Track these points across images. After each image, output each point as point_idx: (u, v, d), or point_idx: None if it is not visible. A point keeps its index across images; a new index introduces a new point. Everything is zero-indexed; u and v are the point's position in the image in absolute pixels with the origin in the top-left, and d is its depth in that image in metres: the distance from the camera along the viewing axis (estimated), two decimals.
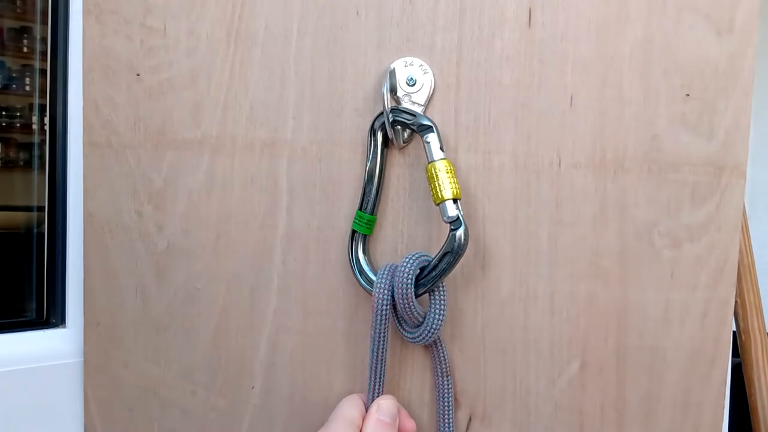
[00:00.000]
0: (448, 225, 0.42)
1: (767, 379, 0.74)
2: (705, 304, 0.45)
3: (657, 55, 0.44)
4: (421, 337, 0.44)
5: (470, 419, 0.47)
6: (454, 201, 0.42)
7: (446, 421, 0.46)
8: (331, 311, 0.47)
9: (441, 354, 0.45)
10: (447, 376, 0.45)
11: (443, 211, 0.42)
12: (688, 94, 0.44)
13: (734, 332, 0.73)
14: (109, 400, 0.48)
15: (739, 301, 0.73)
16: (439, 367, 0.45)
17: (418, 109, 0.45)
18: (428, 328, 0.43)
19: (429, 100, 0.45)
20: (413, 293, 0.42)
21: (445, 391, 0.46)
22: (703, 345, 0.45)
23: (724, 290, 0.45)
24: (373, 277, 0.44)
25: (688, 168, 0.45)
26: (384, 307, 0.43)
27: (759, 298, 0.73)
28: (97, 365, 0.48)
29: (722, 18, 0.44)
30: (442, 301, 0.43)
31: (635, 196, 0.45)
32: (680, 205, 0.45)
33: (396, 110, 0.44)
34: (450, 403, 0.46)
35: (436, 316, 0.43)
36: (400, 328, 0.45)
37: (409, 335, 0.44)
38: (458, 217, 0.42)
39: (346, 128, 0.46)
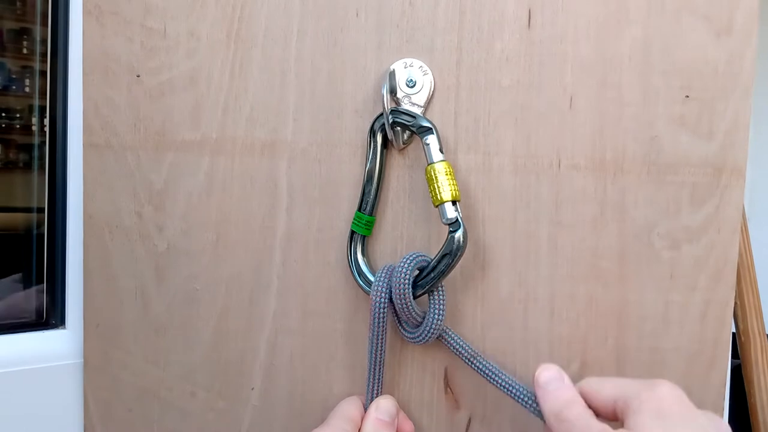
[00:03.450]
0: (447, 227, 0.42)
1: (767, 380, 0.74)
2: (704, 305, 0.45)
3: (656, 56, 0.44)
4: (421, 337, 0.44)
5: (470, 420, 0.47)
6: (453, 203, 0.42)
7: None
8: (330, 312, 0.47)
9: (457, 343, 0.45)
10: (476, 357, 0.44)
11: (442, 213, 0.42)
12: (688, 95, 0.44)
13: (734, 333, 0.73)
14: (108, 401, 0.48)
15: (738, 302, 0.73)
16: (463, 354, 0.45)
17: (418, 111, 0.45)
18: (428, 328, 0.43)
19: (429, 101, 0.45)
20: (411, 294, 0.42)
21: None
22: (703, 346, 0.45)
23: (724, 291, 0.45)
24: (372, 279, 0.44)
25: (688, 169, 0.45)
26: (382, 309, 0.43)
27: (758, 299, 0.74)
28: (97, 366, 0.48)
29: (721, 19, 0.44)
30: (441, 301, 0.43)
31: (635, 197, 0.45)
32: (679, 206, 0.45)
33: (396, 111, 0.44)
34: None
35: (436, 316, 0.43)
36: (400, 327, 0.45)
37: (409, 335, 0.44)
38: (457, 219, 0.42)
39: (346, 129, 0.46)
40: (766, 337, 0.74)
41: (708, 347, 0.45)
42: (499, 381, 0.43)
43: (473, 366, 0.44)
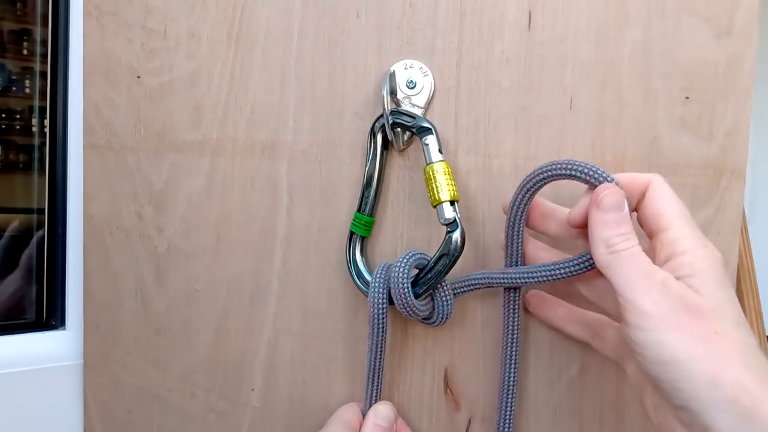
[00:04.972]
0: (445, 227, 0.42)
1: None
2: None
3: (656, 57, 0.44)
4: (436, 323, 0.44)
5: (470, 421, 0.47)
6: (451, 203, 0.42)
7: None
8: (330, 313, 0.47)
9: (485, 278, 0.44)
10: (505, 273, 0.43)
11: (440, 214, 0.42)
12: (688, 97, 0.44)
13: None
14: (108, 402, 0.48)
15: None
16: (499, 280, 0.43)
17: (418, 112, 0.45)
18: (440, 317, 0.44)
19: (429, 102, 0.45)
20: (410, 290, 0.42)
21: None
22: None
23: None
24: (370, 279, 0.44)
25: (688, 170, 0.45)
26: (381, 308, 0.42)
27: (758, 301, 0.73)
28: (97, 367, 0.48)
29: (722, 20, 0.44)
30: (447, 296, 0.44)
31: None
32: None
33: (396, 112, 0.44)
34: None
35: (444, 307, 0.43)
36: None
37: (425, 321, 0.45)
38: (455, 220, 0.41)
39: (347, 131, 0.46)
40: (766, 339, 0.74)
41: None
42: (543, 272, 0.41)
43: (511, 281, 0.42)
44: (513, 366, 0.45)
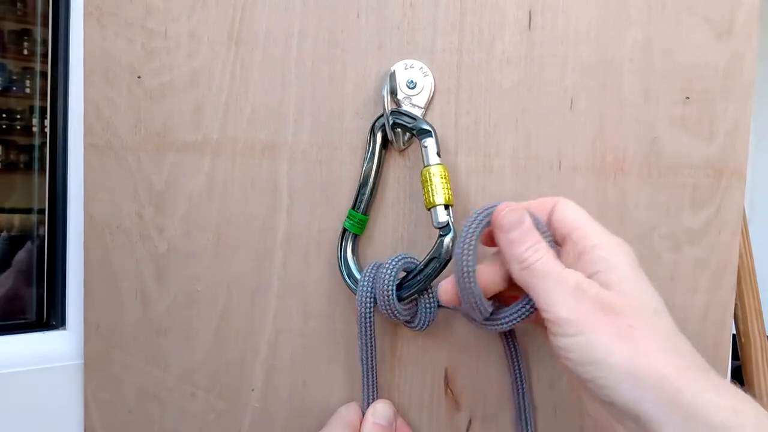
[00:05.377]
0: (438, 230, 0.42)
1: (767, 382, 0.74)
2: (705, 306, 0.45)
3: (657, 57, 0.44)
4: (417, 328, 0.44)
5: (470, 421, 0.47)
6: (446, 207, 0.42)
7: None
8: (331, 314, 0.47)
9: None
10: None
11: (434, 217, 0.42)
12: (688, 97, 0.44)
13: (734, 335, 0.73)
14: (109, 402, 0.48)
15: (739, 303, 0.73)
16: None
17: (418, 112, 0.45)
18: (421, 323, 0.44)
19: (429, 102, 0.45)
20: (394, 292, 0.42)
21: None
22: (703, 348, 0.45)
23: (724, 293, 0.45)
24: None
25: (688, 170, 0.45)
26: (368, 308, 0.42)
27: (759, 301, 0.73)
28: (98, 367, 0.48)
29: (722, 21, 0.44)
30: (432, 302, 0.43)
31: (635, 198, 0.45)
32: (680, 207, 0.45)
33: (396, 113, 0.44)
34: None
35: (427, 313, 0.43)
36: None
37: (407, 325, 0.45)
38: (448, 223, 0.41)
39: (347, 131, 0.46)
40: (766, 338, 0.74)
41: (708, 349, 0.45)
42: (498, 323, 0.39)
43: (478, 324, 0.40)
44: (519, 368, 0.45)
